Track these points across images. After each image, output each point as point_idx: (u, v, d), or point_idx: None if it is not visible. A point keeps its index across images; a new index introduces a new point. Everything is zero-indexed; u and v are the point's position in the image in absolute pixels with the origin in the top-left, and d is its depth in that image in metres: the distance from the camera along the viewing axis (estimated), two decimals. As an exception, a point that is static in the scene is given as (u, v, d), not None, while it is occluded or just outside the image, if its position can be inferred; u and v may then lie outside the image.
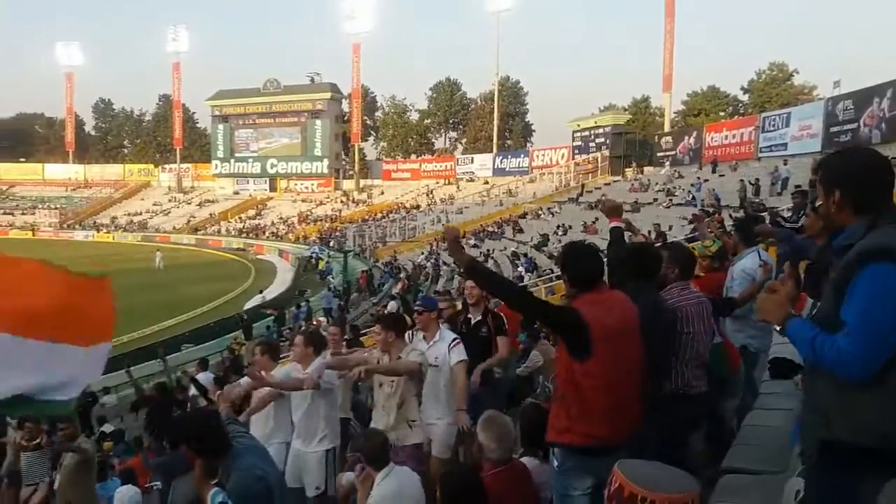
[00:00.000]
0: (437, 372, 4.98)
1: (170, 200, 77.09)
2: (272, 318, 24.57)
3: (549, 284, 17.82)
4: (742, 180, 27.84)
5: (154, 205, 76.37)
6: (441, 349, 5.07)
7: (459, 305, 7.05)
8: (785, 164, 28.52)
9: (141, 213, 74.02)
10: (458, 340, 5.13)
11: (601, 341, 2.94)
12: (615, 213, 4.47)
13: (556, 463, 3.17)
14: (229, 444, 3.51)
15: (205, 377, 10.60)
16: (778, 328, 2.19)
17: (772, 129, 36.69)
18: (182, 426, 3.82)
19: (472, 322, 5.73)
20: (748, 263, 5.09)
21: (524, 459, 3.69)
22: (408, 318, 6.09)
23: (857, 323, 1.94)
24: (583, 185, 46.84)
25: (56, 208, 75.88)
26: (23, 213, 75.96)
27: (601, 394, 2.97)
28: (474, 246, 37.69)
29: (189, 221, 69.62)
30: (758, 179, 27.48)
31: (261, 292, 31.84)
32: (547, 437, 3.19)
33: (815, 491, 2.24)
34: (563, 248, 3.52)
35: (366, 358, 5.11)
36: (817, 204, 2.25)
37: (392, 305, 22.39)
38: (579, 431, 2.99)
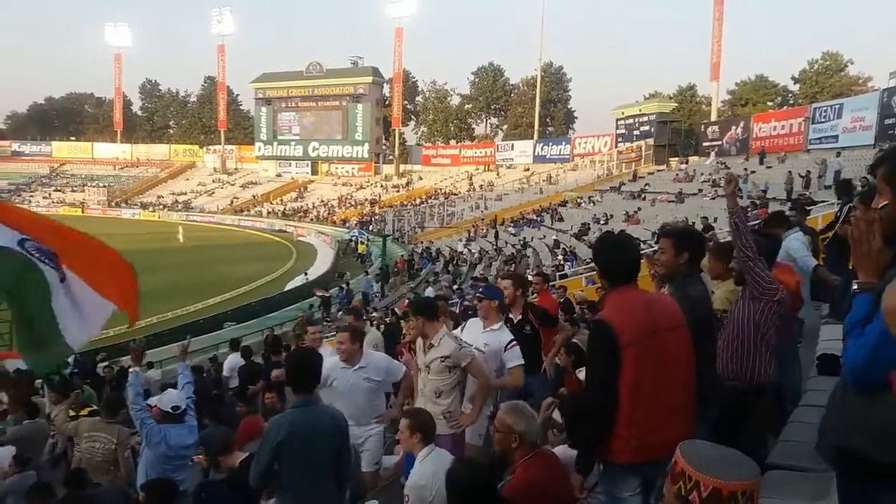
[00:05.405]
0: (480, 358, 4.88)
1: (214, 181, 78.49)
2: (319, 301, 24.80)
3: (591, 274, 17.64)
4: (790, 172, 27.16)
5: (199, 185, 77.80)
6: (494, 339, 4.98)
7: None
8: (837, 157, 27.66)
9: (186, 193, 75.54)
10: (514, 343, 4.99)
11: (630, 346, 2.76)
12: None
13: (599, 467, 3.06)
14: (310, 389, 3.75)
15: (234, 359, 10.75)
16: (856, 284, 2.05)
17: (822, 120, 35.58)
18: (294, 354, 4.20)
19: (515, 322, 5.51)
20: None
21: (560, 448, 3.70)
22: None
23: (872, 341, 1.86)
24: (635, 172, 45.76)
25: (104, 186, 77.54)
26: (73, 191, 78.02)
27: (638, 402, 2.79)
28: (513, 234, 37.55)
29: (232, 202, 70.78)
30: (808, 172, 26.74)
31: (305, 273, 32.35)
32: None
33: (841, 496, 2.22)
34: (597, 238, 3.47)
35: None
36: (881, 203, 2.07)
37: (429, 291, 22.47)
38: (618, 448, 2.82)
